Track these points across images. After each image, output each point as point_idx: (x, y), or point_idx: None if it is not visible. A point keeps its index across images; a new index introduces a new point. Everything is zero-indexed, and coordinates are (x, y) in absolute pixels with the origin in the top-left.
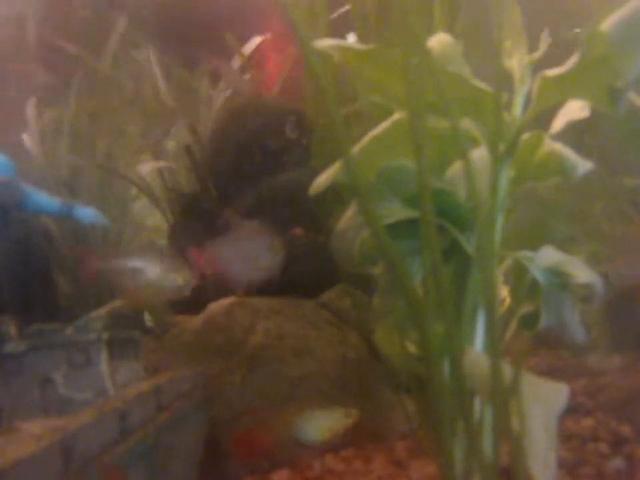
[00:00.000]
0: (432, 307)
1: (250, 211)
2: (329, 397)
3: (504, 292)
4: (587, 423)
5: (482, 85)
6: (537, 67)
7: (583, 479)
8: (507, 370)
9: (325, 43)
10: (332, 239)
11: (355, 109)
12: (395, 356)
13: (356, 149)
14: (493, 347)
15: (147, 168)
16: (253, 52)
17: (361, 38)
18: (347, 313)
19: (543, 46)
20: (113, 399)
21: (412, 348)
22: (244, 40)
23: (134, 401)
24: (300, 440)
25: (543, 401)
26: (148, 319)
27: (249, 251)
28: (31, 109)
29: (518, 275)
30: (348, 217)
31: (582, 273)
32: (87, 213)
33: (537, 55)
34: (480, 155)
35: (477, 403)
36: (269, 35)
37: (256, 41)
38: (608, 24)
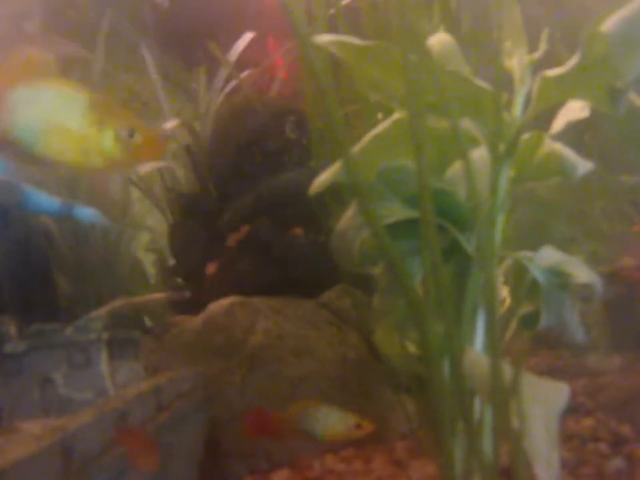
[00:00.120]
0: (432, 307)
1: (250, 211)
2: (329, 396)
3: (504, 292)
4: (587, 422)
5: (482, 84)
6: (537, 67)
7: (583, 479)
8: (507, 370)
9: (324, 39)
10: (332, 239)
11: (354, 109)
12: (395, 356)
13: (356, 148)
14: (493, 347)
15: (146, 168)
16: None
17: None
18: (347, 313)
19: (542, 46)
20: (113, 398)
21: (412, 348)
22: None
23: (134, 400)
24: (306, 431)
25: (543, 401)
26: (148, 319)
27: None
28: None
29: (518, 274)
30: (348, 217)
31: (582, 272)
32: (87, 213)
33: (537, 55)
34: (480, 154)
35: (477, 403)
36: (270, 34)
37: (246, 38)
38: (608, 24)
